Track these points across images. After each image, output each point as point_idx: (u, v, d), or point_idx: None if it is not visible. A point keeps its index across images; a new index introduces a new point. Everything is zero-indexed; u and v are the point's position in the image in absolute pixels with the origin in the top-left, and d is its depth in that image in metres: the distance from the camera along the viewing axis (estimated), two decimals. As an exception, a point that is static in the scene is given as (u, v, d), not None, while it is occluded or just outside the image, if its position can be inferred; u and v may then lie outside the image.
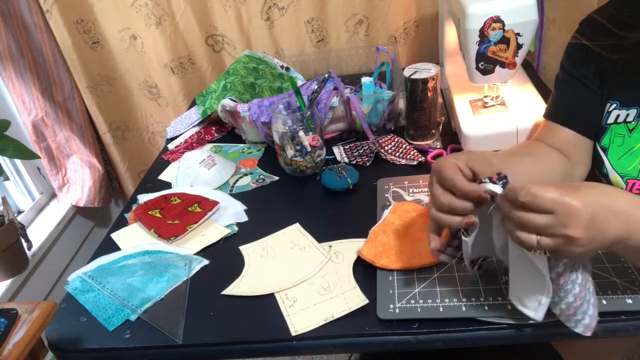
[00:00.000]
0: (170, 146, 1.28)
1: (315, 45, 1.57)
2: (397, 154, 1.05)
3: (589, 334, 0.56)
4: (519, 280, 0.60)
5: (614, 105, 0.74)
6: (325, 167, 1.00)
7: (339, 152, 1.11)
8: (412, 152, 1.04)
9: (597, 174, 0.79)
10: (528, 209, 0.51)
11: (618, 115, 0.73)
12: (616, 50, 0.71)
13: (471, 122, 0.99)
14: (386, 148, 1.08)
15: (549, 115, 0.84)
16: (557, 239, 0.51)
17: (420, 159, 1.01)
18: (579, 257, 0.54)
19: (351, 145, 1.13)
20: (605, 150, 0.75)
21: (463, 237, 0.60)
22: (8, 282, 1.29)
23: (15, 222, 1.25)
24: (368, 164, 1.04)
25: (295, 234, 0.88)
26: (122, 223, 0.99)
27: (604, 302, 0.62)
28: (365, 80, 1.16)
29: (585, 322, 0.56)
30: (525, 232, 0.52)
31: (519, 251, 0.56)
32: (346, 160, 1.07)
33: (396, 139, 1.10)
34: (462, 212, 0.58)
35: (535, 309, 0.58)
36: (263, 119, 1.11)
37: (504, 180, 0.56)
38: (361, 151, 1.09)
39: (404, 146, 1.07)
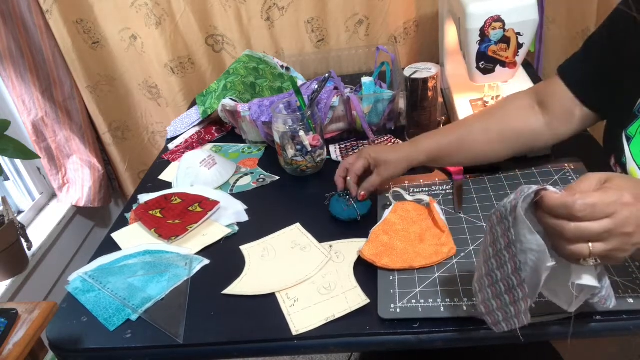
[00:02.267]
0: (171, 146, 1.28)
1: (315, 45, 1.57)
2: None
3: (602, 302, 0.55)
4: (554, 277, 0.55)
5: None
6: (335, 193, 0.91)
7: (334, 150, 1.11)
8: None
9: (612, 161, 0.74)
10: (583, 219, 0.48)
11: None
12: None
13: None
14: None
15: (561, 68, 0.80)
16: (614, 240, 0.48)
17: None
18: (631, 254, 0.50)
19: (347, 144, 1.13)
20: (629, 139, 0.69)
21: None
22: (8, 282, 1.29)
23: (15, 222, 1.25)
24: None
25: (295, 233, 0.88)
26: (122, 223, 0.99)
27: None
28: (365, 80, 1.16)
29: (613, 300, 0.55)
30: (578, 243, 0.48)
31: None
32: (340, 159, 1.07)
33: (393, 141, 1.10)
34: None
35: (569, 303, 0.56)
36: (263, 119, 1.11)
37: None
38: (356, 151, 1.09)
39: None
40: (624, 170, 0.70)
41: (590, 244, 0.48)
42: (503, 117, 0.85)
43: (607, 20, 0.74)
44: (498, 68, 0.91)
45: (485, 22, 0.86)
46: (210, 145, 1.26)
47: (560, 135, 0.81)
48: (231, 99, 1.23)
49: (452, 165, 0.92)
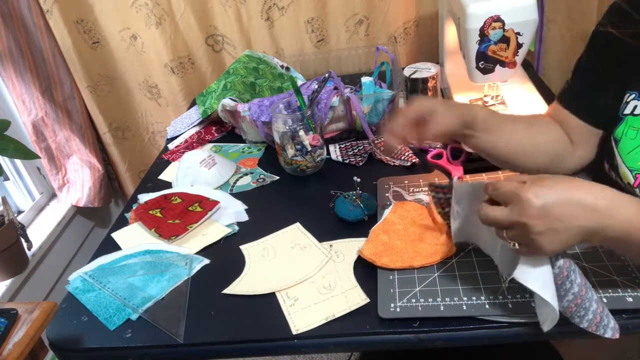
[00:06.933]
0: (171, 146, 1.28)
1: (315, 45, 1.57)
2: (392, 155, 1.05)
3: (594, 329, 0.57)
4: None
5: (633, 96, 0.71)
6: (340, 194, 0.91)
7: (333, 150, 1.11)
8: (407, 153, 1.04)
9: (606, 166, 0.76)
10: (494, 202, 0.58)
11: (636, 106, 0.71)
12: (638, 38, 0.68)
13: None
14: (381, 149, 1.08)
15: (562, 99, 0.82)
16: (516, 229, 0.55)
17: (414, 160, 1.01)
18: (551, 248, 0.54)
19: (347, 144, 1.13)
20: (617, 142, 0.72)
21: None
22: (8, 282, 1.29)
23: (15, 222, 1.25)
24: (361, 164, 1.04)
25: (295, 233, 0.88)
26: (122, 223, 0.99)
27: (604, 300, 0.62)
28: (365, 79, 1.16)
29: (589, 317, 0.57)
30: (495, 227, 0.58)
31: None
32: (340, 159, 1.07)
33: None
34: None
35: (544, 321, 0.59)
36: (263, 119, 1.11)
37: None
38: (356, 151, 1.09)
39: (399, 147, 1.07)
40: (617, 173, 0.72)
41: (504, 230, 0.57)
42: (543, 132, 0.83)
43: (588, 43, 0.80)
44: (498, 68, 0.91)
45: (485, 22, 0.86)
46: (210, 145, 1.26)
47: (584, 161, 0.82)
48: (231, 99, 1.23)
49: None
